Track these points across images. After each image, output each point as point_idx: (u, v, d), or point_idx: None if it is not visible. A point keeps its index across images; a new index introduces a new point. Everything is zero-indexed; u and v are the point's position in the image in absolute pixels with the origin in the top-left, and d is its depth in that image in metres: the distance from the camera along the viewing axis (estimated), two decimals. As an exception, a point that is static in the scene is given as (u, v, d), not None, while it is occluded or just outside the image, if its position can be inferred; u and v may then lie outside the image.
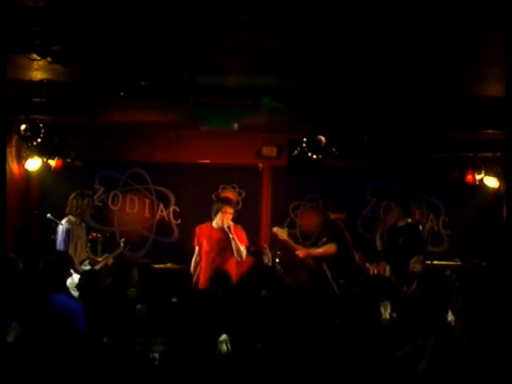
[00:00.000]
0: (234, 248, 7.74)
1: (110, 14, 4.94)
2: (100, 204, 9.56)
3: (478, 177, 9.40)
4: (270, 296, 5.42)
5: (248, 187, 10.00)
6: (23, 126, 7.35)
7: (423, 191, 10.03)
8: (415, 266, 7.55)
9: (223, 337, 4.77)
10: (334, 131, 7.72)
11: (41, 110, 7.51)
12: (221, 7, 4.77)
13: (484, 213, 9.98)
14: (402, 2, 4.60)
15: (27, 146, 8.12)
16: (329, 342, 4.01)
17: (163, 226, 9.93)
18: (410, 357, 4.24)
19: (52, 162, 8.88)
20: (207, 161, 9.94)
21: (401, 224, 8.34)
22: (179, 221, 9.91)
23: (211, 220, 7.92)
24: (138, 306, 5.57)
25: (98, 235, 8.92)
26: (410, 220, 8.44)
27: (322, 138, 7.62)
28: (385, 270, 7.62)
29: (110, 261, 7.79)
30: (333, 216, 8.49)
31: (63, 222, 7.59)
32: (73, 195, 7.74)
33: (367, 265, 7.97)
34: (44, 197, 9.54)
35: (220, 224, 7.81)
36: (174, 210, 9.94)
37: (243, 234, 7.90)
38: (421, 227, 8.63)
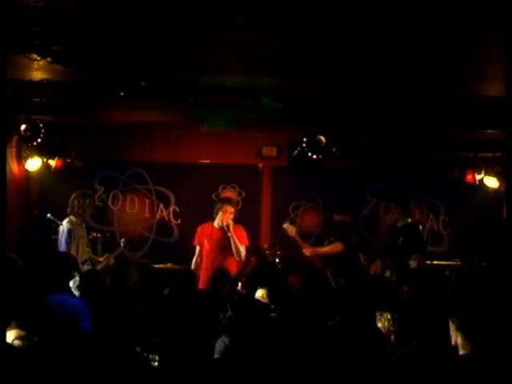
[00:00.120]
0: (233, 247, 7.74)
1: (110, 13, 4.94)
2: (100, 204, 9.52)
3: (478, 177, 9.39)
4: (270, 295, 5.42)
5: (248, 187, 9.99)
6: (23, 126, 7.35)
7: (423, 191, 10.01)
8: (412, 263, 7.56)
9: (223, 337, 4.77)
10: (334, 131, 7.73)
11: (41, 110, 7.51)
12: (221, 7, 4.77)
13: (484, 213, 9.97)
14: (401, 2, 4.60)
15: (27, 146, 8.13)
16: (329, 342, 4.00)
17: (163, 226, 9.92)
18: (409, 357, 4.23)
19: (52, 162, 8.87)
20: (207, 161, 9.94)
21: (400, 224, 8.35)
22: (179, 221, 9.91)
23: (212, 220, 7.93)
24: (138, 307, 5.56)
25: (98, 235, 8.93)
26: (409, 220, 8.45)
27: (322, 138, 7.63)
28: (386, 268, 7.62)
29: (112, 261, 7.77)
30: (337, 218, 8.51)
31: (64, 222, 7.59)
32: (74, 195, 7.73)
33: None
34: (44, 197, 9.54)
35: (220, 223, 7.82)
36: (174, 210, 9.93)
37: (243, 234, 7.91)
38: (421, 227, 8.65)
